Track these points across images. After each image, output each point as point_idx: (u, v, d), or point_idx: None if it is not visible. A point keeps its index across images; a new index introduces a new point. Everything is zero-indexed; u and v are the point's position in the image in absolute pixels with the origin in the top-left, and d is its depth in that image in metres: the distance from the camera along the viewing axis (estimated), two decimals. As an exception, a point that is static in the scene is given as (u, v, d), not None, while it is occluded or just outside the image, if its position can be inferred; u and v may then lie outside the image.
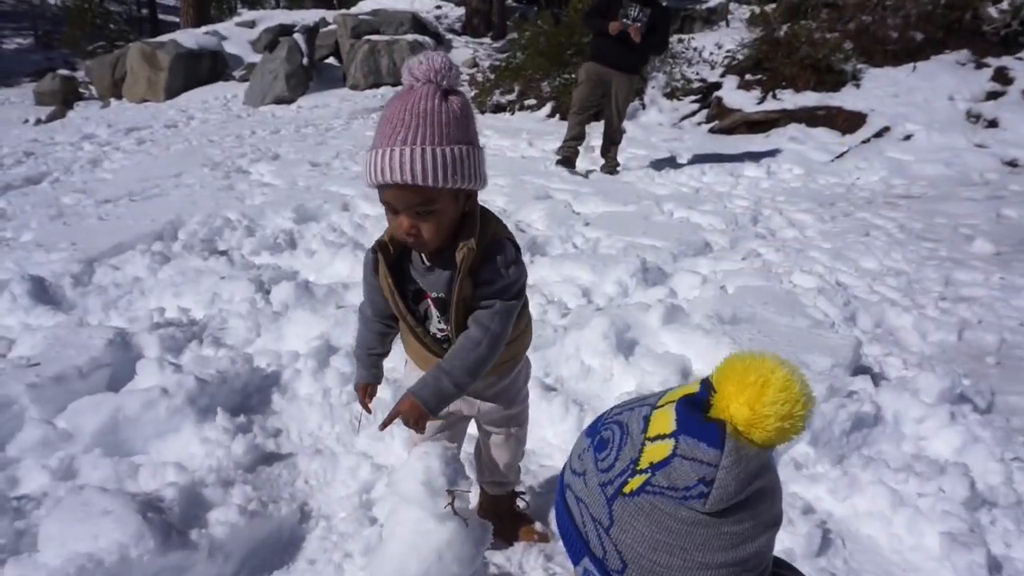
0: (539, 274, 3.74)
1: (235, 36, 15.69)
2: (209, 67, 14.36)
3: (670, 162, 7.14)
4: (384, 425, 1.46)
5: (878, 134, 7.48)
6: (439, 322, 1.50)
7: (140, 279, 3.62)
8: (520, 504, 1.94)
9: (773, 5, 10.62)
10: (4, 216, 5.09)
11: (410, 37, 13.35)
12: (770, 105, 8.47)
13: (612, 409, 0.93)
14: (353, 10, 15.37)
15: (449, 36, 15.42)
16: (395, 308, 1.50)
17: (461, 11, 16.63)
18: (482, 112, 10.38)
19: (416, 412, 1.40)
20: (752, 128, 8.31)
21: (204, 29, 15.95)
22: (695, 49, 10.60)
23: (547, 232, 4.53)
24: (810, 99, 8.34)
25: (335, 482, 2.11)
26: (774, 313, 3.19)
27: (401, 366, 1.76)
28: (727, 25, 12.63)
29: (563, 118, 9.30)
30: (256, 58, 14.22)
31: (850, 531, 2.00)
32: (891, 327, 3.34)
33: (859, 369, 2.77)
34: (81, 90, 15.31)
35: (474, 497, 1.89)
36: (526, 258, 3.94)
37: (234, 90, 13.45)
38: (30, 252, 4.00)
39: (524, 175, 6.17)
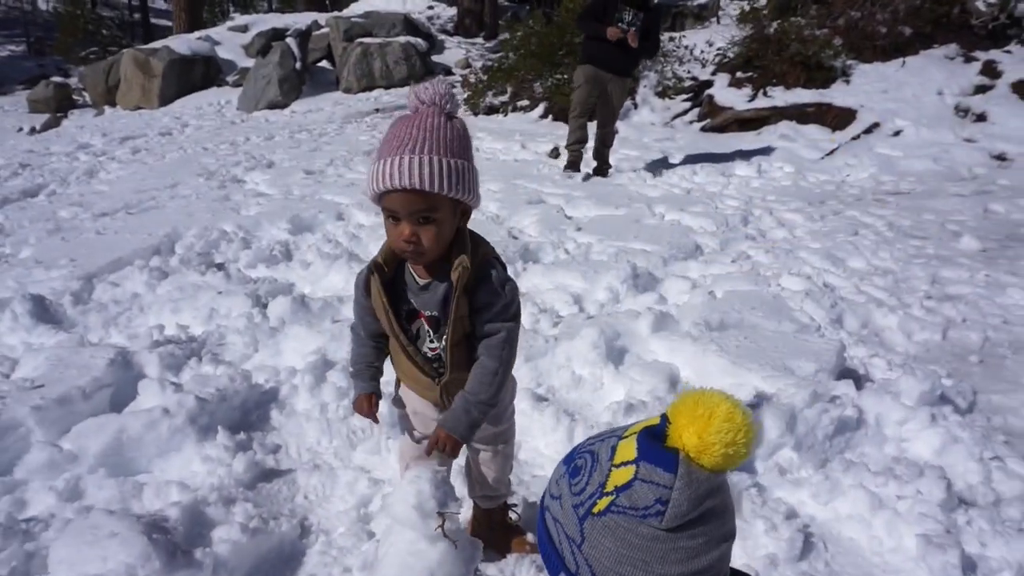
0: (532, 282, 3.80)
1: (228, 41, 15.73)
2: (202, 73, 14.41)
3: (662, 163, 7.20)
4: (429, 451, 1.59)
5: (868, 130, 7.55)
6: (431, 340, 1.57)
7: (139, 295, 3.68)
8: (512, 516, 2.00)
9: (763, 1, 10.66)
10: (3, 231, 5.14)
11: (402, 39, 13.39)
12: (761, 103, 8.53)
13: (587, 440, 1.02)
14: (345, 12, 15.42)
15: (441, 37, 15.47)
16: (388, 328, 1.56)
17: (453, 12, 16.67)
18: (475, 114, 10.41)
19: (451, 442, 1.54)
20: (743, 126, 8.38)
21: (197, 34, 15.99)
22: (686, 47, 10.65)
23: (539, 238, 4.59)
24: (801, 96, 8.40)
25: (333, 497, 2.17)
26: (761, 318, 3.25)
27: (393, 380, 1.81)
28: (718, 22, 12.69)
29: (556, 119, 9.37)
30: (249, 63, 14.26)
31: (832, 534, 2.05)
32: (877, 328, 3.40)
33: (843, 373, 2.82)
34: (75, 97, 15.36)
35: (467, 512, 1.96)
36: (519, 266, 4.00)
37: (228, 96, 13.49)
38: (30, 269, 4.05)
39: (517, 179, 6.23)
